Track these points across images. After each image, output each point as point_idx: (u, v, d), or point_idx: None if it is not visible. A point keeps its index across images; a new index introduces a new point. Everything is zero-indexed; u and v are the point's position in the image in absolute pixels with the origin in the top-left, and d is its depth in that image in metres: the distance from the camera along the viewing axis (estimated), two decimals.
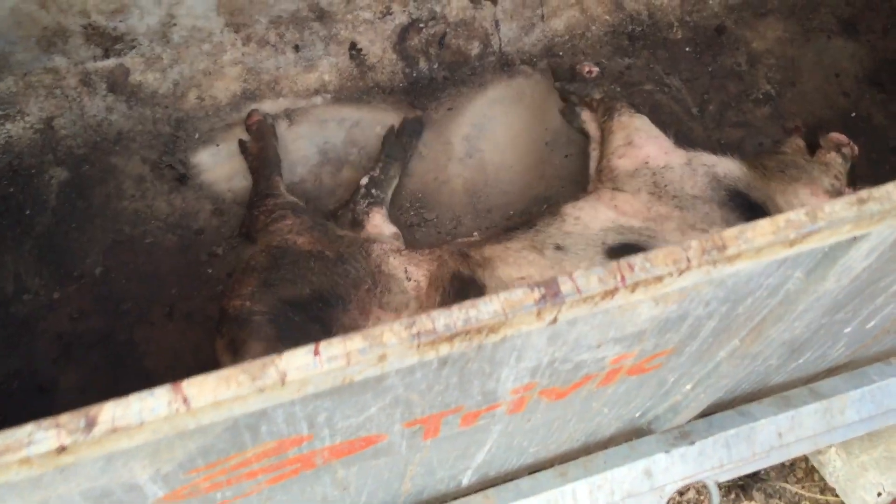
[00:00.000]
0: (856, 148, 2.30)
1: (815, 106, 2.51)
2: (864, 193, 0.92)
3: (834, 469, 2.07)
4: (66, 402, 2.01)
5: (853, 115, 2.50)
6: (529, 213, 2.30)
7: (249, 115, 2.30)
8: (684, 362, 1.35)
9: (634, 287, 0.86)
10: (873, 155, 2.43)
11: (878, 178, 2.42)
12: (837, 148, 2.28)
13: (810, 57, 2.60)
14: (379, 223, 2.09)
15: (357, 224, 2.09)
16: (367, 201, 2.13)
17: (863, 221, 0.90)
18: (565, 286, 0.84)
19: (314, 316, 1.70)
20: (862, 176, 2.38)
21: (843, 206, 0.90)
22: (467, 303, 0.88)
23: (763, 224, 0.89)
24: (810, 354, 1.64)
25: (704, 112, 2.49)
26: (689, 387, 1.51)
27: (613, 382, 1.32)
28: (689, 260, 0.86)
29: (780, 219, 0.90)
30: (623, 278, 0.85)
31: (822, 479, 2.11)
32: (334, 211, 2.16)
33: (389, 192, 2.21)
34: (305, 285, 1.74)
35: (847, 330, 1.55)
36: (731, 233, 0.88)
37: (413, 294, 1.80)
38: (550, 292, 0.84)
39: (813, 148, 2.34)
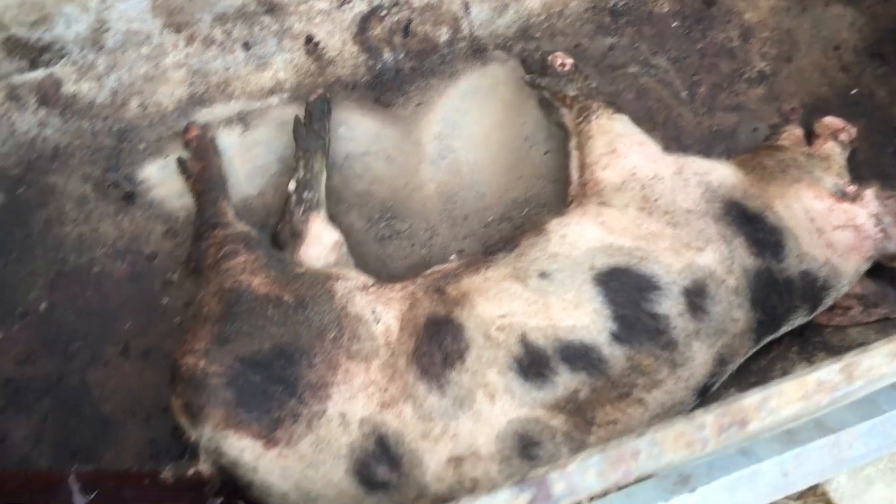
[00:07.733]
0: (853, 131, 2.13)
1: (813, 84, 2.32)
2: None
3: (838, 485, 1.97)
4: (18, 455, 1.87)
5: (854, 92, 2.31)
6: (510, 218, 2.13)
7: (186, 129, 2.07)
8: None
9: (640, 479, 0.71)
10: (877, 136, 2.25)
11: (880, 164, 2.26)
12: (834, 135, 2.11)
13: (807, 28, 2.39)
14: (319, 231, 1.92)
15: (296, 235, 1.92)
16: (301, 208, 1.94)
17: None
18: (558, 486, 0.68)
19: (276, 376, 1.55)
20: (865, 162, 2.22)
21: (883, 359, 0.76)
22: None
23: (790, 389, 0.74)
24: None
25: (695, 95, 2.29)
26: None
27: None
28: (705, 441, 0.71)
29: (809, 380, 0.75)
30: (627, 469, 0.70)
31: (824, 493, 2.02)
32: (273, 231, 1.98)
33: (322, 189, 2.00)
34: (265, 339, 1.58)
35: None
36: (752, 402, 0.73)
37: (382, 340, 1.63)
38: (541, 494, 0.69)
39: (811, 134, 2.17)
